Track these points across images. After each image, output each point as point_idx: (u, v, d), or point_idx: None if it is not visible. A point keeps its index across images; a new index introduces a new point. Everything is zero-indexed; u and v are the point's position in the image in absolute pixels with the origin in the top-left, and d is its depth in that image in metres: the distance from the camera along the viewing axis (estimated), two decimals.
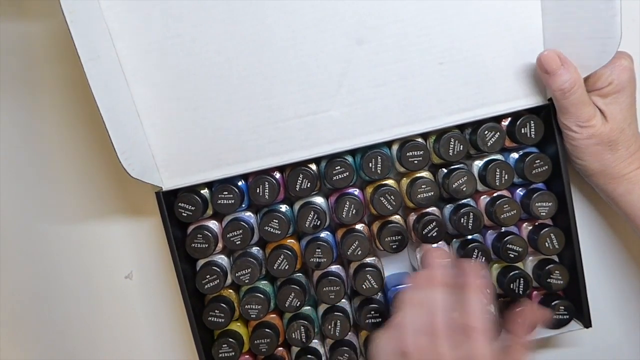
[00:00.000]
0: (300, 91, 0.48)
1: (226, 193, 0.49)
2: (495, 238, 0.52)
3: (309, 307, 0.54)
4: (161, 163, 0.49)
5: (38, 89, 0.54)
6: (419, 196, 0.49)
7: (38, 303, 0.58)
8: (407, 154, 0.49)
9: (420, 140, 0.50)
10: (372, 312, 0.51)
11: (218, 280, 0.50)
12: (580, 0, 0.44)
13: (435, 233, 0.50)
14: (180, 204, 0.49)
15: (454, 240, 0.53)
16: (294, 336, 0.51)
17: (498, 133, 0.49)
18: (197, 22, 0.46)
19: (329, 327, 0.51)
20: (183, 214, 0.49)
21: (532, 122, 0.49)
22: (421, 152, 0.49)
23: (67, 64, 0.53)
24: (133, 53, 0.46)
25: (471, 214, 0.49)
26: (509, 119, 0.50)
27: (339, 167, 0.49)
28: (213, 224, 0.51)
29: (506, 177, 0.49)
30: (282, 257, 0.50)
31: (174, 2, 0.45)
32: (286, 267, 0.50)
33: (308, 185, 0.49)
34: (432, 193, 0.49)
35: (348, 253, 0.49)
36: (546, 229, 0.50)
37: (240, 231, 0.49)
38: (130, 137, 0.46)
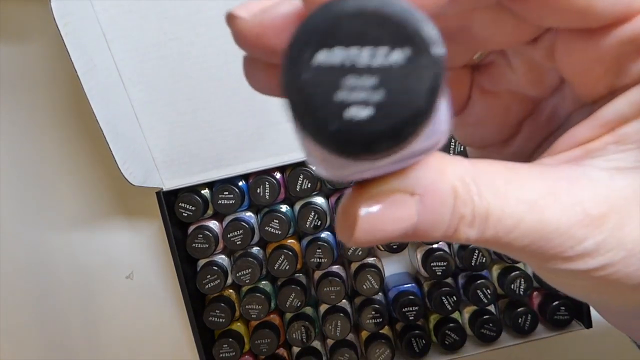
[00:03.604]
0: None
1: (227, 193, 0.49)
2: None
3: (310, 307, 0.54)
4: (161, 164, 0.49)
5: (38, 92, 0.54)
6: None
7: (38, 303, 0.58)
8: None
9: None
10: (373, 312, 0.51)
11: (219, 280, 0.50)
12: None
13: None
14: (180, 204, 0.49)
15: None
16: (294, 336, 0.51)
17: None
18: (194, 24, 0.45)
19: (330, 327, 0.51)
20: (183, 214, 0.49)
21: None
22: None
23: (66, 72, 0.53)
24: (129, 57, 0.46)
25: None
26: None
27: None
28: (213, 224, 0.51)
29: None
30: (282, 257, 0.50)
31: (170, 4, 0.45)
32: (287, 267, 0.50)
33: (309, 186, 0.49)
34: None
35: (349, 253, 0.49)
36: None
37: (241, 231, 0.49)
38: (130, 147, 0.46)
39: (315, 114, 0.11)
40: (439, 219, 0.14)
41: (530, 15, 0.15)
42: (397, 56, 0.11)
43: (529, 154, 0.17)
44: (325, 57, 0.11)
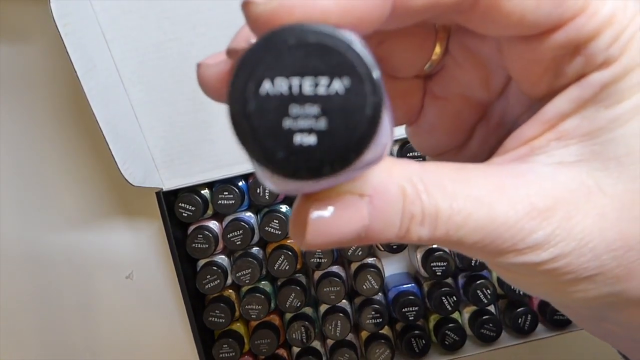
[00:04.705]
0: None
1: (226, 193, 0.49)
2: None
3: (310, 308, 0.54)
4: (161, 164, 0.49)
5: (38, 92, 0.54)
6: None
7: (38, 303, 0.58)
8: (407, 154, 0.49)
9: None
10: (373, 312, 0.51)
11: (218, 281, 0.50)
12: None
13: None
14: (180, 204, 0.49)
15: None
16: (294, 336, 0.51)
17: None
18: (194, 24, 0.45)
19: (330, 327, 0.51)
20: (183, 214, 0.49)
21: None
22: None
23: (65, 72, 0.53)
24: (129, 57, 0.46)
25: None
26: None
27: None
28: (213, 224, 0.51)
29: None
30: (282, 257, 0.50)
31: (170, 4, 0.45)
32: (287, 268, 0.50)
33: None
34: None
35: (348, 253, 0.49)
36: None
37: (241, 231, 0.49)
38: (129, 147, 0.46)
39: (263, 142, 0.11)
40: (390, 219, 0.14)
41: (474, 27, 0.16)
42: (338, 86, 0.11)
43: (483, 159, 0.17)
44: (269, 87, 0.11)
